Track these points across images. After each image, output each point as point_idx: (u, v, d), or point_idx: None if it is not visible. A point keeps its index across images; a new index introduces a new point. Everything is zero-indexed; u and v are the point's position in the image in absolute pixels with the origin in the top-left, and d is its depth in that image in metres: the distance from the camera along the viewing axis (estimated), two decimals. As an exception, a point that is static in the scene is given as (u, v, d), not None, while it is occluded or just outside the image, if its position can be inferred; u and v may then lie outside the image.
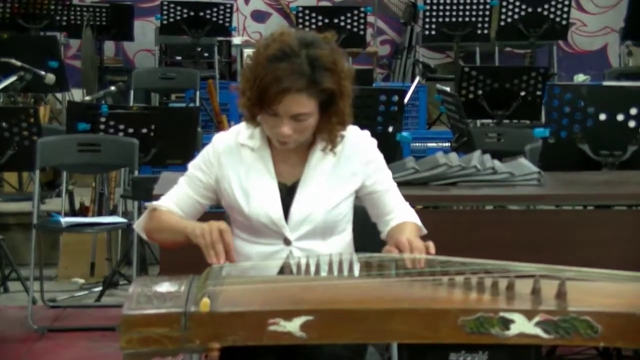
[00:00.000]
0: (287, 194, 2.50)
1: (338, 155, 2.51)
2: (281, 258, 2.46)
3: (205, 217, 2.44)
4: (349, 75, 2.41)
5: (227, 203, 2.55)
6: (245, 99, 2.40)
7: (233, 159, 2.52)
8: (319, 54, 2.34)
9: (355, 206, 2.59)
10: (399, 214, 2.55)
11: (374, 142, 2.58)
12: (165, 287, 2.06)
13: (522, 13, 7.51)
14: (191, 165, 2.58)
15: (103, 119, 4.99)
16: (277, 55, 2.32)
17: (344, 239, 2.56)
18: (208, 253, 2.27)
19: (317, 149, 2.50)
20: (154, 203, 2.56)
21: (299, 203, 2.49)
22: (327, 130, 2.44)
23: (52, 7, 7.63)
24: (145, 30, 9.25)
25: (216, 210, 2.68)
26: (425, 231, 2.55)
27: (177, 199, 2.55)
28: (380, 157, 2.57)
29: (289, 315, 1.91)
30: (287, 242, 2.49)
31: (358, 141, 2.54)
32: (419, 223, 2.56)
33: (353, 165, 2.53)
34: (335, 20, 7.80)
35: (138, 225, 2.59)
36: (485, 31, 7.63)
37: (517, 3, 7.50)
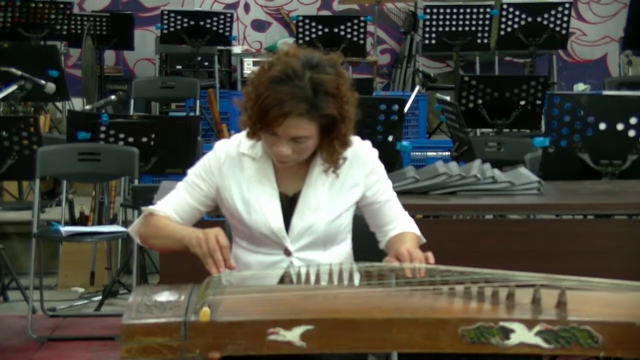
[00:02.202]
0: (288, 204, 2.50)
1: (340, 166, 2.51)
2: (281, 268, 2.46)
3: (203, 225, 2.44)
4: (352, 99, 2.39)
5: (227, 212, 2.55)
6: (246, 116, 2.39)
7: (234, 168, 2.52)
8: (322, 79, 2.32)
9: (354, 215, 2.59)
10: (398, 224, 2.56)
11: (375, 152, 2.57)
12: (165, 296, 2.06)
13: (522, 22, 7.52)
14: (191, 172, 2.57)
15: (103, 128, 4.99)
16: (280, 78, 2.31)
17: (343, 248, 2.56)
18: (206, 262, 2.27)
19: (319, 161, 2.50)
20: (151, 208, 2.54)
21: (300, 215, 2.48)
22: (328, 152, 2.43)
23: (53, 16, 7.64)
24: (145, 39, 9.27)
25: (215, 219, 2.68)
26: (424, 240, 2.55)
27: (175, 205, 2.54)
28: (381, 167, 2.57)
29: (289, 324, 1.91)
30: (288, 252, 2.49)
31: (359, 152, 2.53)
32: (418, 233, 2.56)
33: (354, 176, 2.52)
34: (335, 30, 7.80)
35: (132, 229, 2.57)
36: (485, 40, 7.64)
37: (517, 12, 7.51)
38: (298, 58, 2.34)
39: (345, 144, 2.44)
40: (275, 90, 2.30)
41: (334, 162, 2.45)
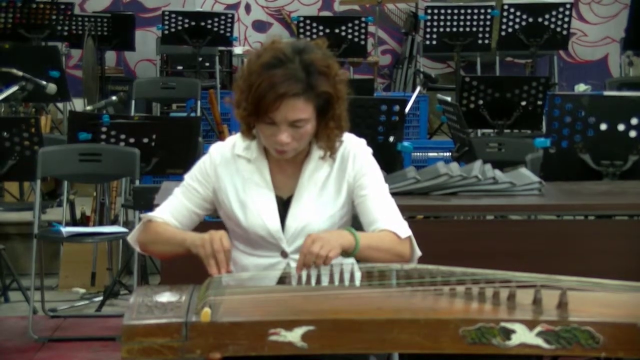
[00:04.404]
0: (283, 206, 2.50)
1: (332, 165, 2.50)
2: (279, 270, 2.46)
3: (206, 226, 2.44)
4: (343, 79, 2.42)
5: (224, 214, 2.55)
6: (241, 110, 2.39)
7: (230, 171, 2.52)
8: (312, 59, 2.35)
9: (354, 215, 2.58)
10: (381, 224, 2.45)
11: (367, 150, 2.55)
12: (166, 297, 2.06)
13: (523, 23, 7.51)
14: (187, 176, 2.57)
15: (104, 129, 4.99)
16: (271, 62, 2.32)
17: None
18: (209, 263, 2.27)
19: (312, 160, 2.50)
20: (149, 214, 2.55)
21: (294, 216, 2.48)
22: (325, 136, 2.43)
23: (54, 17, 7.64)
24: (146, 40, 9.27)
25: (217, 220, 2.68)
26: (402, 237, 2.43)
27: (173, 210, 2.54)
28: (370, 163, 2.53)
29: (290, 325, 1.91)
30: (284, 254, 2.49)
31: (351, 149, 2.52)
32: (400, 232, 2.43)
33: (345, 174, 2.51)
34: (336, 30, 7.80)
35: (132, 237, 2.57)
36: (486, 41, 7.64)
37: (518, 13, 7.51)
38: (285, 44, 2.37)
39: (341, 126, 2.44)
40: (268, 75, 2.31)
41: (330, 146, 2.45)
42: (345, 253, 2.32)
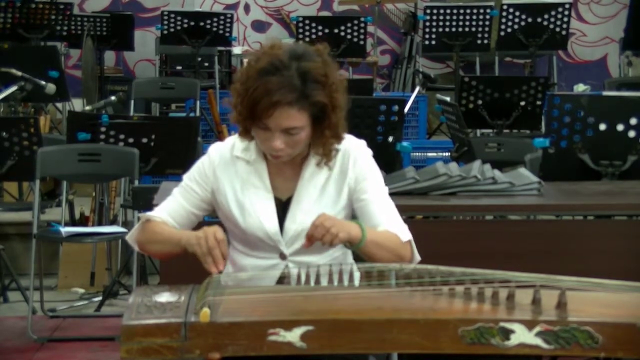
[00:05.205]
0: (282, 208, 2.49)
1: (332, 167, 2.49)
2: (278, 270, 2.45)
3: (201, 226, 2.43)
4: (341, 87, 2.39)
5: (223, 215, 2.54)
6: (236, 113, 2.39)
7: (228, 172, 2.51)
8: (309, 67, 2.33)
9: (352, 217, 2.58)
10: (383, 227, 2.45)
11: (367, 152, 2.54)
12: (165, 297, 2.06)
13: (522, 23, 7.51)
14: (186, 177, 2.57)
15: (103, 129, 4.99)
16: (268, 69, 2.31)
17: (340, 250, 2.53)
18: (205, 261, 2.27)
19: (311, 162, 2.49)
20: (147, 214, 2.55)
21: (293, 218, 2.47)
22: (320, 144, 2.42)
23: (53, 17, 7.64)
24: (145, 40, 9.27)
25: (216, 219, 2.68)
26: (404, 240, 2.45)
27: (171, 210, 2.54)
28: (370, 166, 2.52)
29: (289, 325, 1.91)
30: (283, 256, 2.49)
31: (351, 151, 2.51)
32: (401, 235, 2.44)
33: (346, 177, 2.50)
34: (336, 30, 7.80)
35: (130, 236, 2.58)
36: (485, 41, 7.64)
37: (517, 13, 7.51)
38: (283, 50, 2.35)
39: (337, 135, 2.43)
40: (264, 81, 2.30)
41: (326, 154, 2.44)
42: (350, 244, 2.33)
